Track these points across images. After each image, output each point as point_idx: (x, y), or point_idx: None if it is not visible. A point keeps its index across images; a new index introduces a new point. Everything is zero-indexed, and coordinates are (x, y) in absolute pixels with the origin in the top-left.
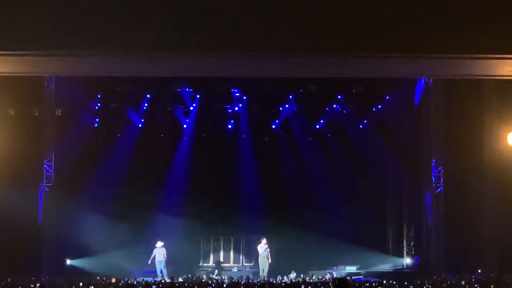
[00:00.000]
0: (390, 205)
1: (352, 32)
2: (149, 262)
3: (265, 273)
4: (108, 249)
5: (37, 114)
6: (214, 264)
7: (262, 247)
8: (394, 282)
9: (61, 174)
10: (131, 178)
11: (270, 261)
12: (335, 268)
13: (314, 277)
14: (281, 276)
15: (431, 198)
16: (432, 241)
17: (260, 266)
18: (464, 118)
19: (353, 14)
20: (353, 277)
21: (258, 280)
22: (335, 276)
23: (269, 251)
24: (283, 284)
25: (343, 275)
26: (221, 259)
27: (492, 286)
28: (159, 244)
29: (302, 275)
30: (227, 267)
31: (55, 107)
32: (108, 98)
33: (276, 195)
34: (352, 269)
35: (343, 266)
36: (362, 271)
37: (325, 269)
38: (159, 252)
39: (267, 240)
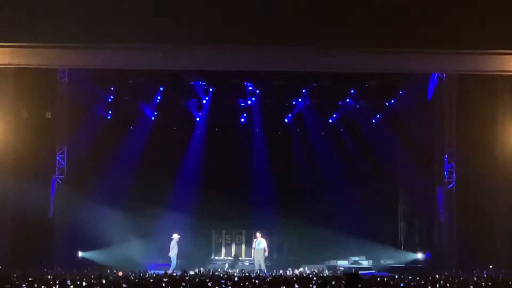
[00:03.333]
0: (402, 200)
1: (367, 27)
2: (170, 254)
3: (263, 267)
4: (120, 242)
5: (50, 106)
6: (233, 258)
7: (256, 242)
8: (408, 277)
9: (74, 166)
10: (143, 171)
11: (266, 254)
12: (346, 262)
13: (325, 271)
14: (291, 269)
15: (443, 193)
16: (444, 236)
17: (255, 261)
18: (477, 114)
19: (368, 9)
20: (364, 272)
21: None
22: (344, 269)
23: (266, 245)
24: (294, 278)
25: (354, 270)
26: (232, 253)
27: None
28: (176, 236)
29: (310, 269)
30: (238, 260)
31: (68, 100)
32: (121, 90)
33: (288, 189)
34: (363, 263)
35: (355, 260)
36: (374, 266)
37: (336, 262)
38: (176, 244)
39: (264, 234)
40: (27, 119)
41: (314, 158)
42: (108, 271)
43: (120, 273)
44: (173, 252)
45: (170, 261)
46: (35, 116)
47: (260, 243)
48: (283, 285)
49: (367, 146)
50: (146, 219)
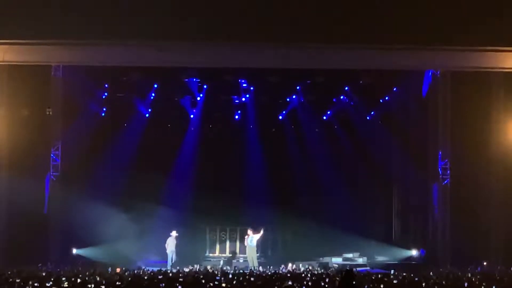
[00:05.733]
0: (397, 196)
1: (361, 24)
2: (167, 250)
3: (256, 264)
4: (114, 239)
5: (44, 103)
6: (230, 255)
7: (248, 239)
8: (403, 274)
9: (68, 163)
10: (137, 168)
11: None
12: (340, 259)
13: (316, 268)
14: (284, 266)
15: (437, 190)
16: (438, 233)
17: (248, 258)
18: (471, 110)
19: (363, 7)
20: (358, 269)
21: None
22: (338, 265)
23: (258, 239)
24: (288, 275)
25: (348, 267)
26: (227, 250)
27: (497, 278)
28: (174, 233)
29: (304, 266)
30: (236, 257)
31: (62, 96)
32: (116, 87)
33: (282, 186)
34: (358, 260)
35: (349, 257)
36: (368, 262)
37: (330, 259)
38: (173, 241)
39: (254, 231)
40: (21, 116)
41: (308, 155)
42: (109, 269)
43: (118, 270)
44: (169, 248)
45: (167, 258)
46: (29, 113)
47: (253, 239)
48: (277, 283)
49: (362, 143)
50: (140, 216)
